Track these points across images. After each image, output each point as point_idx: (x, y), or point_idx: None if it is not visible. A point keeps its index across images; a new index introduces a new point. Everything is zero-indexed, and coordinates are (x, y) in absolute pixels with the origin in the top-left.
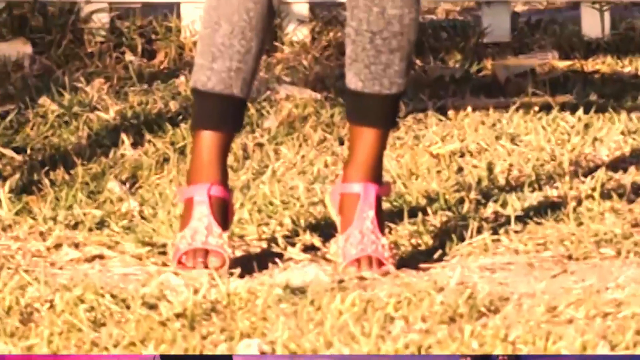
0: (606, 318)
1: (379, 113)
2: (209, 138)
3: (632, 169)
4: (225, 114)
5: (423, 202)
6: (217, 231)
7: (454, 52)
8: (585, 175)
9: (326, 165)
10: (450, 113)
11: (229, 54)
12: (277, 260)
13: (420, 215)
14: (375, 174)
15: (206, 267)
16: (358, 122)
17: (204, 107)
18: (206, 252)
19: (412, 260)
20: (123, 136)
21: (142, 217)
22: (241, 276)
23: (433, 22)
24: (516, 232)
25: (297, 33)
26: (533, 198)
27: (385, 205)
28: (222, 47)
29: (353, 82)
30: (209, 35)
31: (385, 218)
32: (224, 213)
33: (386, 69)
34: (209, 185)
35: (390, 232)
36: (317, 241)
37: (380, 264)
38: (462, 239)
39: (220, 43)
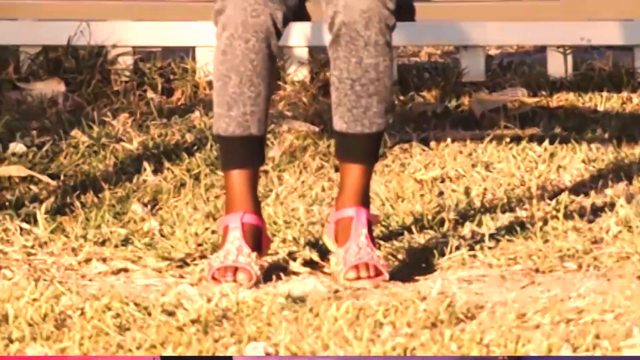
0: (569, 324)
1: (362, 150)
2: (237, 175)
3: (592, 192)
4: (247, 152)
5: (408, 221)
6: (246, 251)
7: (435, 90)
8: (550, 199)
9: (323, 190)
10: (432, 144)
11: (242, 100)
12: (280, 272)
13: (406, 233)
14: (365, 200)
15: (235, 282)
16: (345, 159)
17: (228, 150)
18: (236, 269)
19: (398, 272)
20: (145, 164)
21: (162, 235)
22: (250, 287)
23: (417, 64)
24: (490, 248)
25: (297, 73)
26: (505, 218)
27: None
28: (235, 96)
29: (338, 124)
30: (221, 87)
31: (375, 236)
32: (256, 238)
33: (366, 111)
34: (241, 214)
35: (379, 248)
36: (315, 256)
37: (376, 270)
38: (442, 254)
39: (232, 92)
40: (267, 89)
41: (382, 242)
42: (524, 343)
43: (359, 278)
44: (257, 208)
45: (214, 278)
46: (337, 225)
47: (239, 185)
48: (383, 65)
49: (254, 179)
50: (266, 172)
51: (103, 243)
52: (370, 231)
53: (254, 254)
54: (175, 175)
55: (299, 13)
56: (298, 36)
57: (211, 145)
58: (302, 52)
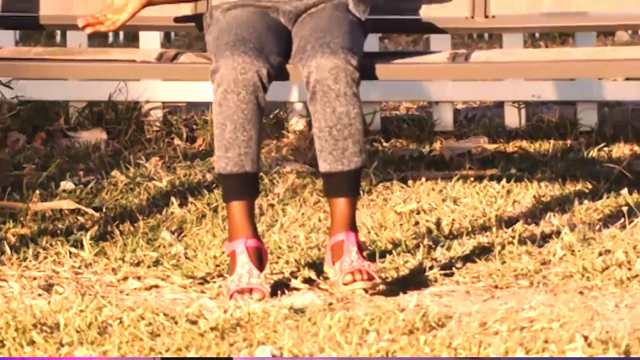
0: (522, 331)
1: (345, 185)
2: (237, 206)
3: (541, 222)
4: (244, 186)
5: (390, 246)
6: (256, 273)
7: (412, 138)
8: (507, 227)
9: (320, 220)
10: (410, 182)
11: (237, 144)
12: (284, 288)
13: (388, 256)
14: (352, 226)
15: (251, 298)
16: (332, 195)
17: (228, 185)
18: (251, 290)
19: (379, 290)
20: (172, 199)
21: (187, 258)
22: (258, 300)
23: (397, 116)
24: (457, 268)
25: (297, 124)
26: (469, 244)
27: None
28: (231, 140)
29: (323, 166)
30: (220, 133)
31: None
32: (259, 257)
33: (344, 152)
34: (244, 239)
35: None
36: (313, 275)
37: (369, 275)
38: (418, 273)
39: (228, 137)
40: (258, 133)
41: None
42: (485, 347)
43: (354, 281)
44: (255, 232)
45: (231, 297)
46: (331, 250)
47: (240, 215)
48: (353, 112)
49: (251, 208)
50: (272, 205)
51: (138, 264)
52: (360, 249)
53: (262, 275)
54: (198, 208)
55: (282, 72)
56: (298, 94)
57: None
58: (300, 107)
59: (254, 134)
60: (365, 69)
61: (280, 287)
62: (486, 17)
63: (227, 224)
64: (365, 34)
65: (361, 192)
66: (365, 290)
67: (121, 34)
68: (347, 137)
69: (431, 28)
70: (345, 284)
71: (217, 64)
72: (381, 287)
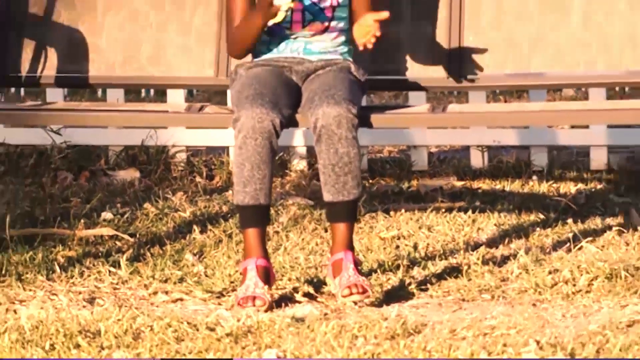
0: (485, 336)
1: (344, 213)
2: (251, 232)
3: (501, 246)
4: (258, 216)
5: (375, 266)
6: (261, 285)
7: (393, 176)
8: (472, 250)
9: (317, 244)
10: (392, 213)
11: (253, 180)
12: (287, 301)
13: (373, 274)
14: (350, 246)
15: (254, 306)
16: (333, 221)
17: (245, 215)
18: (254, 298)
19: (368, 301)
20: (194, 227)
21: (206, 275)
22: (266, 311)
23: (381, 158)
24: (431, 284)
25: (299, 164)
26: (441, 264)
27: None
28: (249, 177)
29: (326, 196)
30: (239, 171)
31: None
32: (266, 275)
33: (344, 185)
34: (255, 259)
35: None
36: (311, 290)
37: (363, 288)
38: (398, 288)
39: (247, 175)
40: (270, 171)
41: None
42: (455, 349)
43: (351, 294)
44: (266, 254)
45: (239, 304)
46: (332, 266)
47: (253, 239)
48: (352, 152)
49: (263, 234)
50: (277, 232)
51: (165, 281)
52: (356, 265)
53: (266, 287)
54: (216, 235)
55: (292, 121)
56: (299, 139)
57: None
58: (302, 150)
59: (268, 173)
60: (362, 118)
61: (284, 300)
62: (460, 77)
63: (240, 248)
64: (364, 91)
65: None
66: (355, 303)
67: (152, 91)
68: (347, 173)
69: (415, 86)
70: (343, 297)
71: (239, 113)
72: (367, 300)
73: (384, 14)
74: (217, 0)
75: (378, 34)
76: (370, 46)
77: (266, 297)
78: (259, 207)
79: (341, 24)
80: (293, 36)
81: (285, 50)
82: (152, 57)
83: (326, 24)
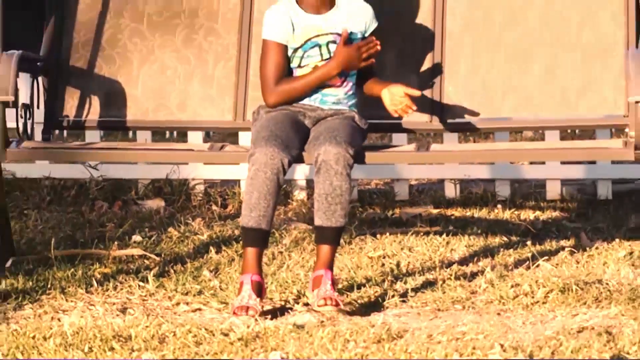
0: (457, 341)
1: (331, 237)
2: (250, 251)
3: (470, 264)
4: (258, 239)
5: (364, 281)
6: (254, 297)
7: (380, 205)
8: (446, 267)
9: (315, 263)
10: (378, 236)
11: (259, 208)
12: (289, 310)
13: (362, 288)
14: (330, 266)
15: (247, 315)
16: (320, 242)
17: (247, 235)
18: (247, 308)
19: (358, 310)
20: (211, 248)
21: (221, 289)
22: (271, 319)
23: (369, 189)
24: (412, 297)
25: (299, 195)
26: (420, 279)
27: (345, 284)
28: (255, 204)
29: (317, 221)
30: (248, 198)
31: (343, 288)
32: (259, 289)
33: (333, 213)
34: (251, 275)
35: (347, 297)
36: (309, 302)
37: (335, 301)
38: (383, 299)
39: (254, 202)
40: (274, 202)
41: (348, 293)
42: (431, 352)
43: (325, 305)
44: (260, 271)
45: (234, 313)
46: (313, 280)
47: (251, 258)
48: (345, 187)
49: (260, 254)
50: (281, 252)
51: (186, 293)
52: (333, 283)
53: (258, 299)
54: (229, 254)
55: (299, 158)
56: (300, 174)
57: None
58: (303, 183)
59: (272, 203)
60: (359, 156)
61: (286, 310)
62: (441, 122)
63: None
64: (364, 137)
65: (343, 242)
66: (338, 312)
67: (175, 133)
68: (337, 204)
69: (402, 129)
70: (319, 306)
71: (255, 149)
72: (348, 308)
73: (416, 92)
74: (235, 56)
75: (414, 108)
76: (405, 115)
77: (257, 308)
78: (260, 231)
79: (352, 78)
80: None
81: (304, 99)
82: (179, 104)
83: (342, 78)
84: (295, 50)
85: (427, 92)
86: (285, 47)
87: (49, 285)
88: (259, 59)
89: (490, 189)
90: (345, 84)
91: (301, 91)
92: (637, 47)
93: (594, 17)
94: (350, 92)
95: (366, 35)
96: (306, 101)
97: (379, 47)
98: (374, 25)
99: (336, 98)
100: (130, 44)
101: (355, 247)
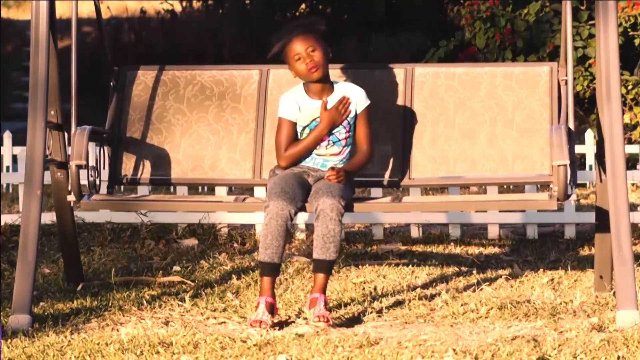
0: (420, 346)
1: (324, 267)
2: (265, 280)
3: (430, 288)
4: (271, 270)
5: (349, 301)
6: (267, 314)
7: (360, 244)
8: (412, 290)
9: (312, 288)
10: (360, 267)
11: (272, 247)
12: (292, 323)
13: (347, 306)
14: (324, 290)
15: (260, 327)
16: (316, 272)
17: (263, 267)
18: (261, 322)
19: (344, 324)
20: (233, 275)
21: (241, 307)
22: (278, 329)
23: (353, 231)
24: (385, 313)
25: (300, 235)
26: (392, 299)
27: (334, 303)
28: (269, 244)
29: (315, 254)
30: (263, 239)
31: (332, 307)
32: (272, 308)
33: (327, 250)
34: (265, 297)
35: (336, 313)
36: (307, 317)
37: (327, 319)
38: (363, 315)
39: (268, 243)
40: (284, 242)
41: (337, 309)
42: (400, 355)
43: (319, 321)
44: (273, 294)
45: (251, 324)
46: (310, 301)
47: (266, 284)
48: (337, 229)
49: (273, 281)
50: (286, 279)
51: (214, 310)
52: (325, 304)
53: (269, 315)
54: (247, 280)
55: (303, 208)
56: (301, 220)
57: None
58: (303, 226)
59: (282, 243)
60: (349, 206)
61: (290, 323)
62: (409, 179)
63: None
64: (353, 190)
65: (333, 272)
66: (328, 326)
67: (205, 187)
68: (331, 242)
69: (378, 184)
70: (314, 322)
71: (269, 202)
72: (332, 322)
73: (332, 173)
74: (253, 129)
75: (332, 179)
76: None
77: (268, 322)
78: (273, 264)
79: (349, 148)
80: (317, 153)
81: (309, 162)
82: (210, 166)
83: (340, 149)
84: (304, 128)
85: (398, 157)
86: (294, 124)
87: (109, 304)
88: (272, 131)
89: (445, 230)
90: (342, 153)
91: (304, 152)
92: (558, 122)
93: (525, 101)
94: (345, 159)
95: (358, 112)
96: (310, 164)
97: (350, 101)
98: (366, 102)
99: (334, 163)
100: (174, 119)
101: (343, 275)
